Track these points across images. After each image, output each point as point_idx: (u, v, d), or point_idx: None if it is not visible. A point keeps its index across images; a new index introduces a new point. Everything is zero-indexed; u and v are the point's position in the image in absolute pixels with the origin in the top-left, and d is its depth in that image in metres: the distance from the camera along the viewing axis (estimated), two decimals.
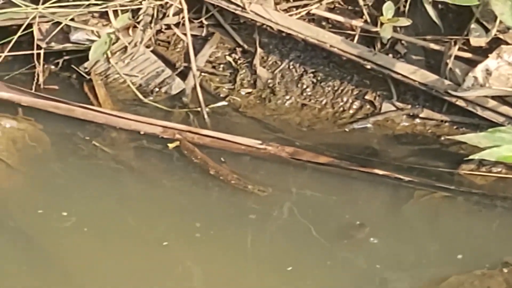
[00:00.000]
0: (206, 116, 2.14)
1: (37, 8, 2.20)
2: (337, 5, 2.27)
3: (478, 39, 2.10)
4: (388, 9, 2.08)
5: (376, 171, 1.97)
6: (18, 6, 2.25)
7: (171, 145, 2.08)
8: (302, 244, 1.89)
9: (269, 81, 2.29)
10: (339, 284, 1.83)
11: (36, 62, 2.22)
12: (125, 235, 1.90)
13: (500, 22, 2.03)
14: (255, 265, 1.88)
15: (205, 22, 2.31)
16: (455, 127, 2.12)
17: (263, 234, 1.96)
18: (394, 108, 2.16)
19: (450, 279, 1.79)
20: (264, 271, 1.81)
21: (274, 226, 1.97)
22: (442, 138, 2.12)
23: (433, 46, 2.14)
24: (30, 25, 2.22)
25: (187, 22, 2.17)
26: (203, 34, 2.31)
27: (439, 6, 2.16)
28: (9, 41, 2.26)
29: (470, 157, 1.89)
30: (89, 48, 2.21)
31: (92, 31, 2.25)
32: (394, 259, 1.87)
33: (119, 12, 2.25)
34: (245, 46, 2.30)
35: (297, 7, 2.24)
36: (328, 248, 1.86)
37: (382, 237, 1.87)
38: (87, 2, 2.24)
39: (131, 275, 1.79)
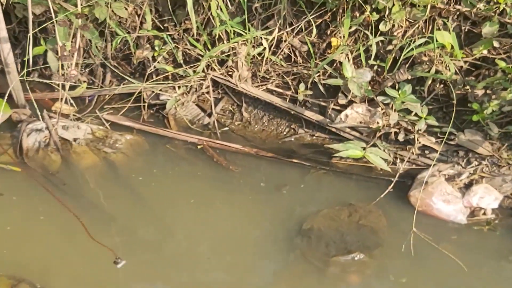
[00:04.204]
0: (218, 134, 3.21)
1: (143, 84, 3.25)
2: (279, 84, 3.22)
3: (342, 101, 3.11)
4: (301, 87, 3.14)
5: (294, 160, 3.02)
6: (133, 83, 3.31)
7: (199, 146, 3.13)
8: (252, 190, 2.91)
9: (248, 118, 3.25)
10: (265, 199, 2.80)
11: (143, 109, 3.26)
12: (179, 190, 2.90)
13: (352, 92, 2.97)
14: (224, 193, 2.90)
15: (220, 91, 3.29)
16: (330, 140, 3.14)
17: (232, 184, 2.98)
18: (303, 132, 3.16)
19: (323, 211, 2.78)
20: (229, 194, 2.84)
21: (238, 182, 2.99)
22: (324, 146, 3.09)
23: (322, 103, 3.15)
24: (140, 92, 3.25)
25: (211, 91, 3.25)
26: (219, 97, 3.31)
27: (325, 85, 3.15)
28: (129, 100, 3.31)
29: (336, 154, 2.91)
30: (166, 103, 3.24)
31: (170, 95, 3.23)
32: (302, 200, 2.81)
33: (181, 86, 3.19)
34: (238, 102, 3.28)
35: (261, 85, 3.21)
36: (268, 192, 2.90)
37: (292, 188, 2.91)
38: (166, 82, 3.23)
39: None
